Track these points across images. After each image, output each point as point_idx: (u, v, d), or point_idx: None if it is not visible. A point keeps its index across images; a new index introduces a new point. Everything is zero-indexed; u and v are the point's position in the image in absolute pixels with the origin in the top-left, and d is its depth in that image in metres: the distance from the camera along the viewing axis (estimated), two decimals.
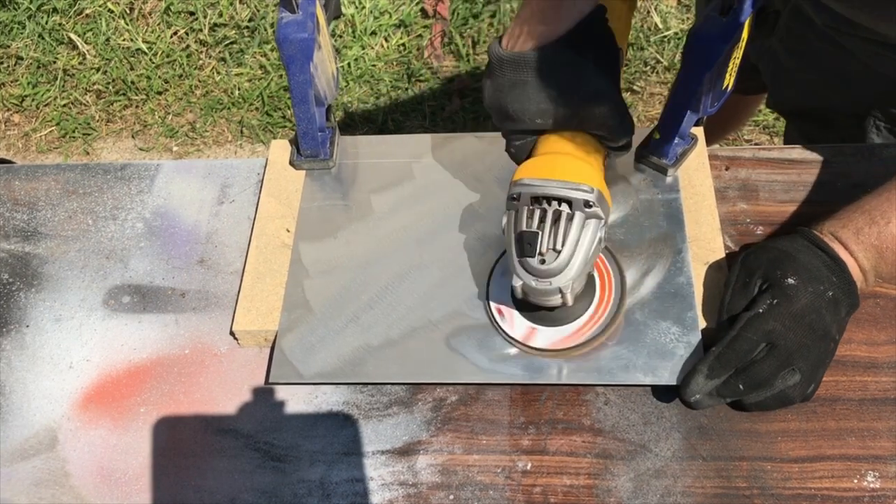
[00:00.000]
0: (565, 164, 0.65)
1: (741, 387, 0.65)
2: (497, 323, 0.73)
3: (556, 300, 0.66)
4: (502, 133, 0.71)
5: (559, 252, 0.63)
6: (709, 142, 0.84)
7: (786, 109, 1.06)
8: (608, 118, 0.65)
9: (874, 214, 0.68)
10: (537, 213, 0.64)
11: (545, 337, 0.72)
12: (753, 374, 0.64)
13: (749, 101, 1.46)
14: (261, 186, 0.86)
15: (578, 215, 0.64)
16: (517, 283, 0.66)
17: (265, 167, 0.87)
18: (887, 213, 0.67)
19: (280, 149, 0.88)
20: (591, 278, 0.73)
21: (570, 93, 0.64)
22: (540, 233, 0.63)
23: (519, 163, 0.70)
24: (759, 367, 0.64)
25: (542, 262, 0.63)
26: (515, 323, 0.73)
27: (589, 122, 0.66)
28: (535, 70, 0.63)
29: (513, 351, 0.72)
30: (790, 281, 0.66)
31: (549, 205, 0.64)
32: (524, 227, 0.64)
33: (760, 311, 0.65)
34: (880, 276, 0.69)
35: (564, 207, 0.64)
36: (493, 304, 0.74)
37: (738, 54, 0.74)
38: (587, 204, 0.63)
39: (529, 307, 0.72)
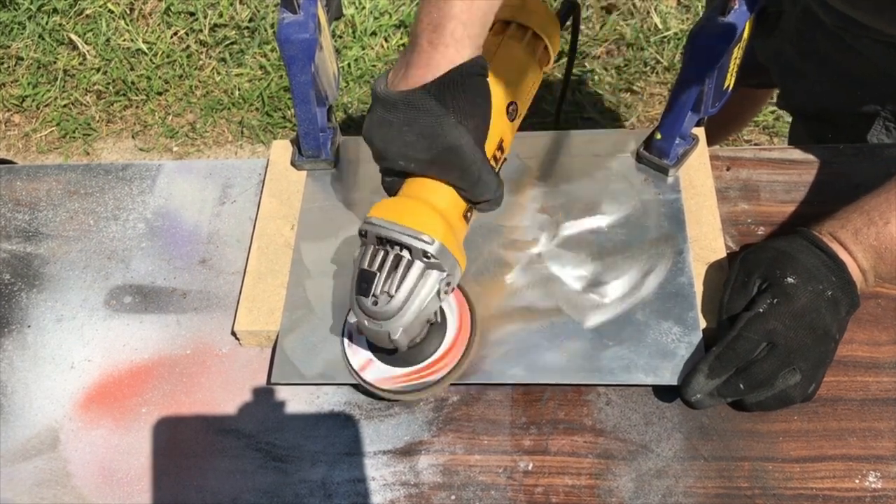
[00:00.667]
0: (414, 210, 0.63)
1: (742, 386, 0.65)
2: (344, 347, 0.72)
3: (387, 343, 0.64)
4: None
5: (392, 297, 0.62)
6: (713, 141, 0.84)
7: (795, 110, 1.07)
8: (465, 173, 0.64)
9: (872, 215, 0.68)
10: (380, 254, 0.63)
11: (376, 371, 0.71)
12: (754, 374, 0.64)
13: (756, 97, 1.46)
14: (262, 187, 0.86)
15: (418, 264, 0.62)
16: (352, 320, 0.65)
17: (266, 167, 0.87)
18: (885, 214, 0.67)
19: (281, 149, 0.88)
20: (441, 327, 0.71)
21: (428, 140, 0.62)
22: (378, 274, 0.62)
23: None
24: (759, 367, 0.64)
25: (375, 303, 0.62)
26: (360, 351, 0.72)
27: (447, 174, 0.64)
28: (399, 112, 0.62)
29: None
30: (790, 280, 0.66)
31: (392, 248, 0.63)
32: (365, 266, 0.63)
33: (761, 310, 0.65)
34: (880, 276, 0.69)
35: (405, 253, 0.62)
36: (348, 325, 0.73)
37: (738, 54, 0.74)
38: (426, 254, 0.62)
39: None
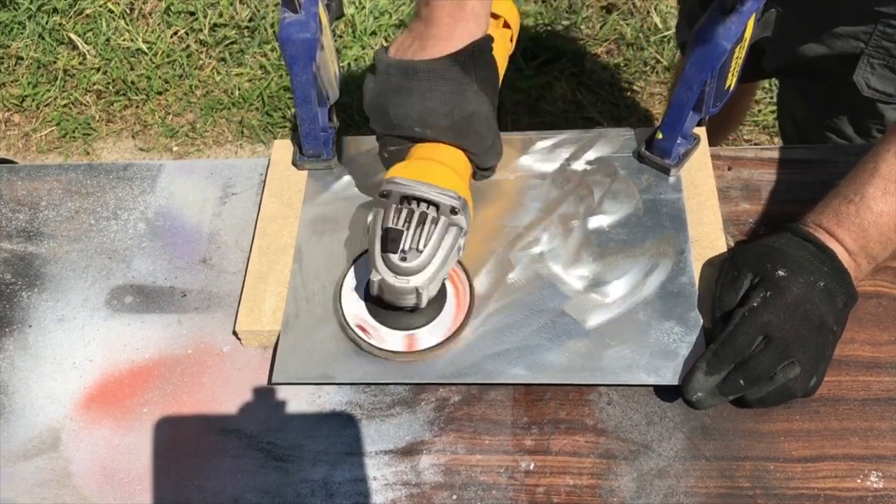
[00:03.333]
0: (437, 171, 0.68)
1: (742, 382, 0.65)
2: (364, 339, 0.72)
3: (410, 300, 0.68)
4: (377, 137, 0.73)
5: (420, 252, 0.66)
6: (712, 142, 0.84)
7: (782, 70, 1.07)
8: (481, 139, 0.69)
9: (847, 194, 0.69)
10: (404, 212, 0.67)
11: (428, 340, 0.72)
12: (753, 368, 0.65)
13: (747, 88, 1.46)
14: (263, 186, 0.85)
15: (443, 220, 0.67)
16: (375, 279, 0.67)
17: (267, 167, 0.87)
18: (859, 190, 0.68)
19: (282, 149, 0.88)
20: (442, 289, 0.73)
21: (450, 107, 0.67)
22: (405, 231, 0.66)
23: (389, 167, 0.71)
24: (757, 361, 0.65)
25: (404, 259, 0.66)
26: (387, 336, 0.73)
27: (463, 139, 0.69)
28: (422, 79, 0.66)
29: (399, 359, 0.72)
30: (781, 273, 0.66)
31: (417, 206, 0.67)
32: (391, 224, 0.67)
33: (755, 304, 0.66)
34: (872, 256, 0.69)
35: (431, 210, 0.67)
36: (351, 322, 0.73)
37: (740, 54, 0.74)
38: (453, 210, 0.66)
39: (382, 310, 0.73)
